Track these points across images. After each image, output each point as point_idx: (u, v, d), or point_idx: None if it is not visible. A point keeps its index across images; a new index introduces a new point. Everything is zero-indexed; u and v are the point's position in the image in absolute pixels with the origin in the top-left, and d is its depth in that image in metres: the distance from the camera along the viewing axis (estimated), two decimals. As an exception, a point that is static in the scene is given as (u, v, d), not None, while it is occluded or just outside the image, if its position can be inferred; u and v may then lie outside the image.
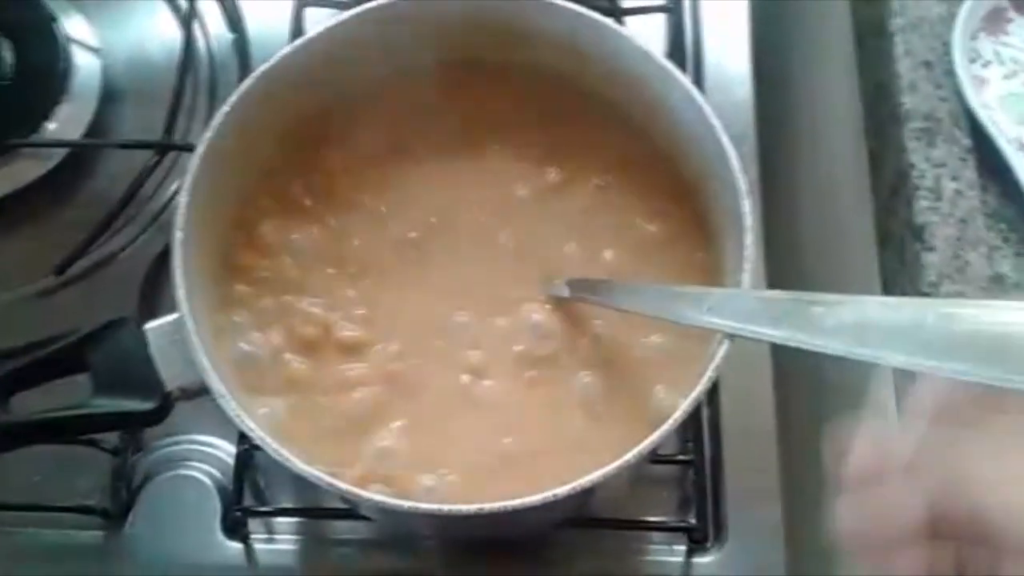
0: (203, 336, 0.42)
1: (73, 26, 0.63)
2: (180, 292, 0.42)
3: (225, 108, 0.45)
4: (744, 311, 0.38)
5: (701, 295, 0.42)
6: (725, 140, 0.44)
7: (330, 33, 0.48)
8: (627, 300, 0.45)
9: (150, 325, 0.43)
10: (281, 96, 0.48)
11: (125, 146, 0.60)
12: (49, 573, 0.53)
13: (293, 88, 0.48)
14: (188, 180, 0.44)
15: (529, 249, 0.50)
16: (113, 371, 0.42)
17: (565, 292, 0.47)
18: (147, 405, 0.42)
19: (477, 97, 0.52)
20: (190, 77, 0.62)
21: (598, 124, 0.52)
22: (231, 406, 0.40)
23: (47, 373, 0.42)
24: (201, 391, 0.42)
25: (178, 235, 0.43)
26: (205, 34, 0.65)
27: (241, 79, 0.47)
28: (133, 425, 0.50)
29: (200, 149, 0.44)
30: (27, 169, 0.60)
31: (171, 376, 0.42)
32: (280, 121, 0.49)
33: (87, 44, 0.63)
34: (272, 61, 0.46)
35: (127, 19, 0.65)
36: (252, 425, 0.40)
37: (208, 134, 0.45)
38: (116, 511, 0.53)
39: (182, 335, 0.42)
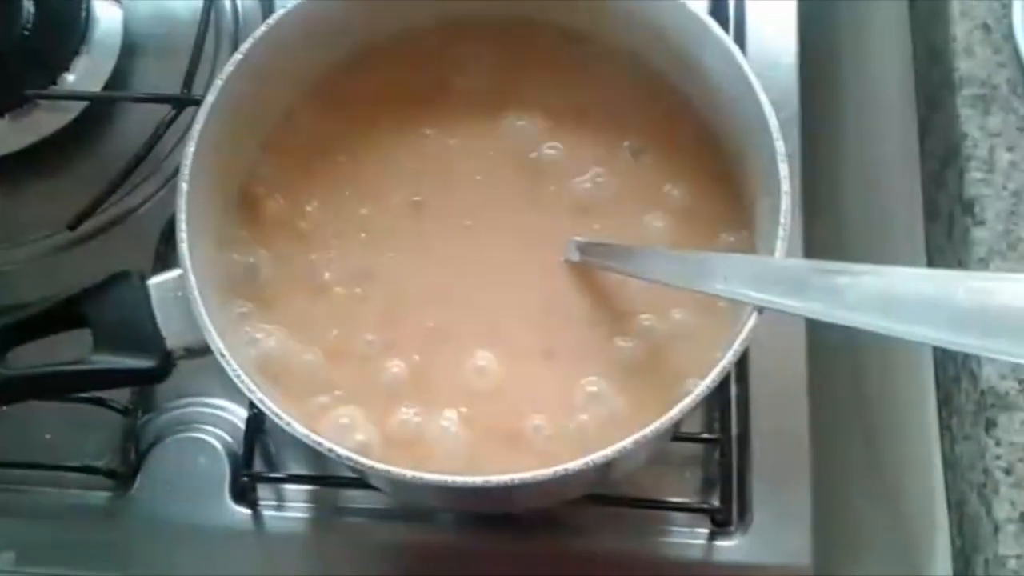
0: (206, 292, 0.40)
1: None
2: (183, 247, 0.40)
3: (238, 56, 0.43)
4: (763, 280, 0.36)
5: (718, 261, 0.39)
6: (763, 99, 0.41)
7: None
8: (640, 265, 0.43)
9: (153, 280, 0.41)
10: (297, 45, 0.46)
11: (142, 99, 0.58)
12: (56, 533, 0.52)
13: (310, 37, 0.46)
14: (196, 129, 0.42)
15: (555, 212, 0.48)
16: (114, 327, 0.40)
17: (576, 256, 0.45)
18: (148, 363, 0.40)
19: (504, 54, 0.50)
20: (212, 30, 0.60)
21: (630, 85, 0.49)
22: (232, 365, 0.39)
23: (46, 327, 0.41)
24: (206, 350, 0.40)
25: (183, 187, 0.41)
26: (230, -13, 0.63)
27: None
28: (133, 383, 0.49)
29: (210, 97, 0.42)
30: (45, 121, 0.58)
31: (174, 333, 0.41)
32: (295, 71, 0.47)
33: (112, -5, 0.61)
34: (288, 8, 0.44)
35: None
36: (252, 387, 0.38)
37: (219, 82, 0.43)
38: (124, 472, 0.52)
39: (185, 291, 0.40)
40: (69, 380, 0.40)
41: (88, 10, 0.60)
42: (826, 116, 0.59)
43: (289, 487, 0.52)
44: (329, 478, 0.52)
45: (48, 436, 0.54)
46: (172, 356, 0.41)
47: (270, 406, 0.38)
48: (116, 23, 0.61)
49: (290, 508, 0.52)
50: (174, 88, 0.58)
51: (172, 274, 0.41)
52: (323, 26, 0.46)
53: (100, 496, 0.53)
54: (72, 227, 0.56)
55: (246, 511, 0.52)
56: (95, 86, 0.59)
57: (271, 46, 0.44)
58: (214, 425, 0.54)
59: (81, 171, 0.59)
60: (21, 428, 0.54)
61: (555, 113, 0.49)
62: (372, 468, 0.37)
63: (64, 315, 0.41)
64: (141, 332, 0.40)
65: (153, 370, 0.40)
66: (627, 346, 0.44)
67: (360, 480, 0.50)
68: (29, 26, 0.58)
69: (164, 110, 0.57)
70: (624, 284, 0.45)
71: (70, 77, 0.59)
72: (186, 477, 0.52)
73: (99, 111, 0.60)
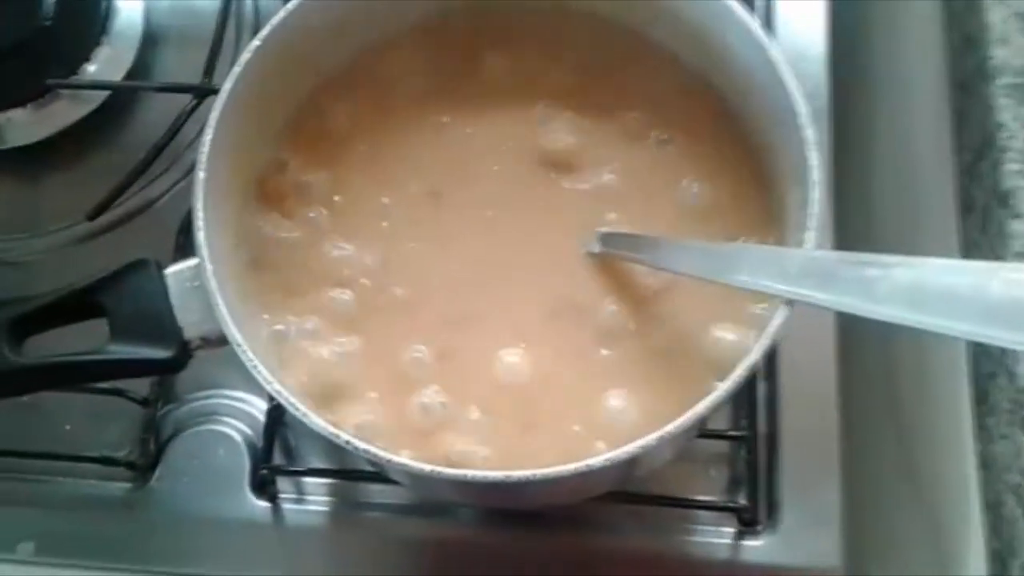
0: (224, 282, 0.40)
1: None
2: (200, 235, 0.40)
3: (256, 42, 0.42)
4: (790, 272, 0.35)
5: (744, 253, 0.39)
6: (792, 86, 0.40)
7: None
8: (665, 257, 0.42)
9: (170, 269, 0.41)
10: (315, 32, 0.45)
11: (163, 89, 0.58)
12: (74, 524, 0.52)
13: (328, 24, 0.45)
14: (213, 117, 0.41)
15: (576, 203, 0.47)
16: (131, 316, 0.40)
17: (598, 247, 0.44)
18: (164, 353, 0.40)
19: (525, 42, 0.49)
20: (233, 19, 0.60)
21: (656, 75, 0.48)
22: (249, 356, 0.38)
23: (62, 317, 0.40)
24: (223, 340, 0.39)
25: (200, 175, 0.41)
26: (251, -24, 0.62)
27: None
28: (150, 373, 0.48)
29: (228, 85, 0.42)
30: (66, 112, 0.58)
31: (191, 323, 0.40)
32: (314, 59, 0.47)
33: (130, -14, 0.61)
34: (306, -5, 0.44)
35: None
36: (270, 377, 0.38)
37: (237, 69, 0.42)
38: (143, 464, 0.52)
39: (203, 281, 0.40)
40: (85, 370, 0.40)
41: (109, 1, 0.59)
42: (857, 107, 0.57)
43: (309, 480, 0.52)
44: (349, 472, 0.51)
45: (68, 427, 0.54)
46: (189, 346, 0.40)
47: (287, 397, 0.37)
48: (137, 13, 0.60)
49: (310, 501, 0.51)
50: (195, 78, 0.57)
51: (189, 263, 0.40)
52: (341, 13, 0.46)
53: (119, 487, 0.52)
54: (91, 217, 0.56)
55: (265, 504, 0.51)
56: (116, 76, 0.59)
57: (289, 33, 0.44)
58: (234, 417, 0.53)
59: (101, 161, 0.59)
60: (41, 418, 0.54)
61: (577, 103, 0.48)
62: (390, 462, 0.36)
63: (80, 304, 0.40)
64: (158, 322, 0.40)
65: (170, 360, 0.40)
66: (651, 339, 0.43)
67: (380, 474, 0.49)
68: (51, 16, 0.58)
69: (185, 100, 0.57)
70: (648, 276, 0.44)
71: (91, 67, 0.59)
72: (205, 469, 0.52)
73: (120, 101, 0.59)
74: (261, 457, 0.51)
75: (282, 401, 0.37)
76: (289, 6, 0.43)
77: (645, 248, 0.43)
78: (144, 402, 0.53)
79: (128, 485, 0.52)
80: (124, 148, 0.59)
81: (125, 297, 0.40)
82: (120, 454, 0.52)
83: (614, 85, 0.48)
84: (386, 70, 0.49)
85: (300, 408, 0.37)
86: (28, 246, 0.57)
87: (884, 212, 0.58)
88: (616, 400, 0.43)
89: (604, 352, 0.44)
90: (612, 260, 0.45)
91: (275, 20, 0.43)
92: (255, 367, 0.38)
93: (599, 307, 0.44)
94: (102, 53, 0.59)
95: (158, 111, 0.59)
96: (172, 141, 0.56)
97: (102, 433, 0.53)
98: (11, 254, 0.57)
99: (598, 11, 0.48)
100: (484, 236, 0.46)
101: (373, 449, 0.36)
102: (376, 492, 0.51)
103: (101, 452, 0.52)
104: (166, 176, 0.58)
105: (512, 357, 0.44)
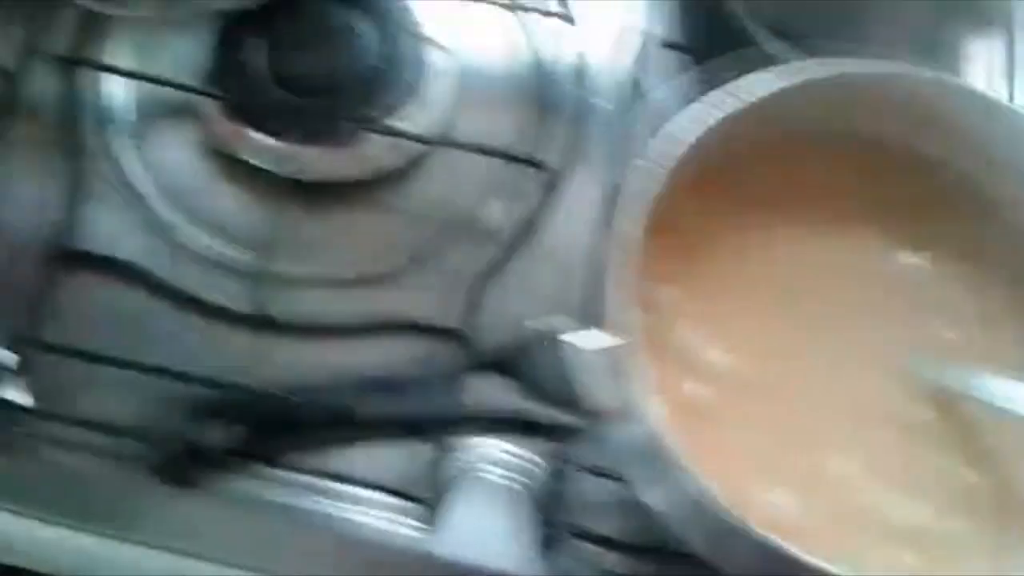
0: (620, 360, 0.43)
1: (429, 25, 0.64)
2: (617, 317, 0.43)
3: (682, 139, 0.46)
4: None
5: None
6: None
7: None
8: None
9: (580, 342, 0.44)
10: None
11: (494, 154, 0.60)
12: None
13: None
14: (644, 201, 0.44)
15: (896, 329, 0.51)
16: (540, 381, 0.43)
17: (925, 373, 0.48)
18: (567, 420, 0.43)
19: (854, 171, 0.54)
20: (549, 94, 0.63)
21: (979, 217, 0.53)
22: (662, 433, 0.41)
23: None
24: (621, 415, 0.42)
25: (618, 256, 0.44)
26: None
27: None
28: (550, 438, 0.51)
29: (664, 170, 0.45)
30: (371, 160, 0.60)
31: (593, 394, 0.43)
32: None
33: (442, 44, 0.64)
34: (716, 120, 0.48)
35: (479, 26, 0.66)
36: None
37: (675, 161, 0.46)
38: (427, 503, 0.54)
39: (610, 359, 0.43)
40: (505, 423, 0.43)
41: (423, 57, 0.62)
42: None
43: (586, 546, 0.53)
44: (641, 548, 0.53)
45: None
46: (588, 417, 0.43)
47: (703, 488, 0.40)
48: (449, 73, 0.63)
49: (591, 564, 0.53)
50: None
51: (602, 339, 0.43)
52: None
53: (402, 525, 0.54)
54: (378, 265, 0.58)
55: (546, 564, 0.53)
56: (427, 131, 0.61)
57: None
58: (519, 472, 0.54)
59: (396, 214, 0.61)
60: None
61: (905, 234, 0.53)
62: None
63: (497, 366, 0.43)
64: (564, 390, 0.43)
65: (571, 429, 0.43)
66: (990, 473, 0.47)
67: (663, 549, 0.51)
68: (372, 64, 0.61)
69: (489, 164, 0.60)
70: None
71: (402, 122, 0.61)
72: (488, 519, 0.53)
73: (423, 157, 0.61)
74: (545, 515, 0.53)
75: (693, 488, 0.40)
76: (706, 123, 0.47)
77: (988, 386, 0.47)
78: (436, 444, 0.54)
79: (408, 522, 0.54)
80: (421, 204, 0.61)
81: (533, 361, 0.43)
82: (406, 490, 0.54)
83: (944, 225, 0.53)
84: (724, 184, 0.52)
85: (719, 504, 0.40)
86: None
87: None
88: (947, 524, 0.46)
89: (935, 482, 0.48)
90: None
91: (726, 114, 0.47)
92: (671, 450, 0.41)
93: (933, 437, 0.48)
94: (412, 108, 0.61)
95: (457, 173, 0.61)
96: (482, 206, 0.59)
97: (388, 466, 0.55)
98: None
99: (923, 149, 0.53)
100: (819, 345, 0.50)
101: (800, 553, 0.39)
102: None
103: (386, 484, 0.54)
104: (464, 241, 0.60)
105: (842, 463, 0.48)
